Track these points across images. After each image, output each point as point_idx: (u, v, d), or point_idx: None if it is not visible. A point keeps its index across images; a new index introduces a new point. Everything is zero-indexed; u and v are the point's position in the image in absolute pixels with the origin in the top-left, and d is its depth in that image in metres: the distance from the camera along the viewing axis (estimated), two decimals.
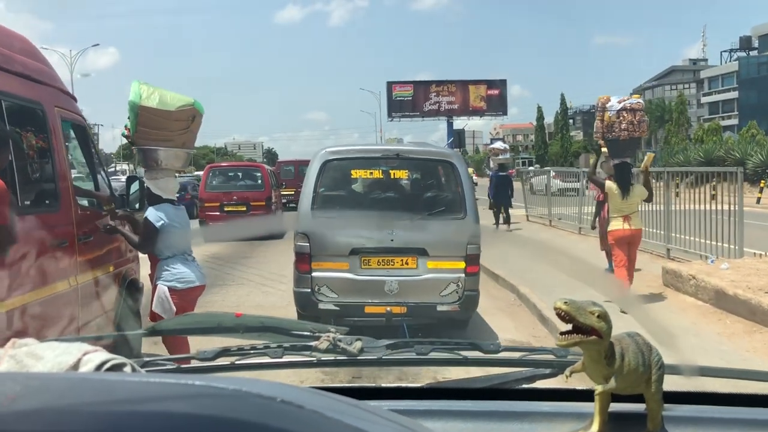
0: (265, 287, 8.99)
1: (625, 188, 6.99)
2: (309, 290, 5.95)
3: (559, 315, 1.10)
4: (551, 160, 59.17)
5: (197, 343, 1.65)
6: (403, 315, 5.81)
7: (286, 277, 6.77)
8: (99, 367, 0.84)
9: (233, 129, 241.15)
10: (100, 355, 0.87)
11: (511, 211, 16.14)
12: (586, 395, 1.27)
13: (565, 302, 1.09)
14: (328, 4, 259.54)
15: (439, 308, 5.92)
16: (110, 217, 4.98)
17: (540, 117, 70.64)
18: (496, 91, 50.15)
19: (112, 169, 51.07)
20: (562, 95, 68.45)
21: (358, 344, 1.47)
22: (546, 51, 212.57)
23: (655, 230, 10.70)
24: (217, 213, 16.35)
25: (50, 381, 0.67)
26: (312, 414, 0.57)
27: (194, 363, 1.48)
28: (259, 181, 17.71)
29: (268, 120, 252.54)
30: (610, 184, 7.11)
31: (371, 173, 6.56)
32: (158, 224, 4.40)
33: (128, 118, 4.42)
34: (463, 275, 5.94)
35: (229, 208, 16.40)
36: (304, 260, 5.97)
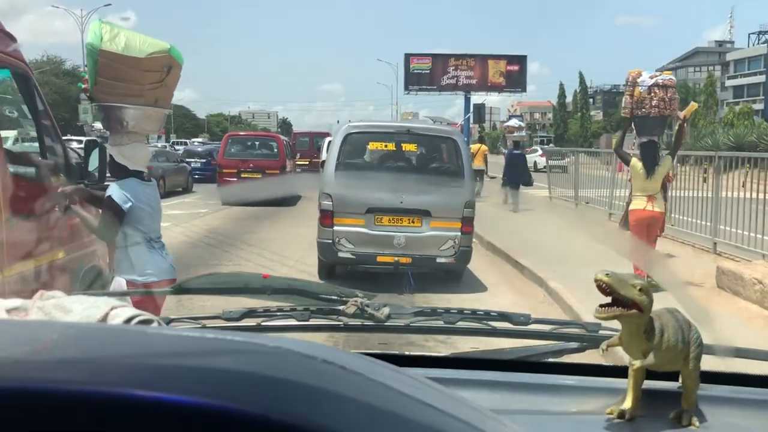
0: (265, 269, 8.86)
1: (650, 167, 6.81)
2: (330, 241, 7.12)
3: (599, 287, 1.09)
4: (570, 140, 58.15)
5: (223, 303, 1.66)
6: (408, 264, 7.05)
7: (289, 259, 6.98)
8: (127, 322, 0.85)
9: (248, 97, 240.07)
10: (128, 310, 0.87)
11: (530, 190, 16.03)
12: (615, 371, 1.27)
13: (607, 274, 1.08)
14: None
15: (438, 260, 7.13)
16: (62, 193, 3.90)
17: (561, 95, 68.90)
18: (515, 67, 49.44)
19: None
20: (581, 74, 66.30)
21: (386, 310, 1.46)
22: (566, 29, 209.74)
23: (699, 221, 9.66)
24: (235, 179, 17.49)
25: (88, 331, 0.66)
26: (354, 375, 0.56)
27: (219, 322, 1.46)
28: (275, 151, 18.95)
29: (282, 89, 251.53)
30: (635, 162, 6.95)
31: (386, 146, 7.74)
32: (125, 206, 3.50)
33: (85, 65, 3.55)
34: (459, 234, 7.10)
35: (246, 175, 17.37)
36: (327, 216, 7.12)
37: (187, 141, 53.98)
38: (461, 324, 1.51)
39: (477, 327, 1.54)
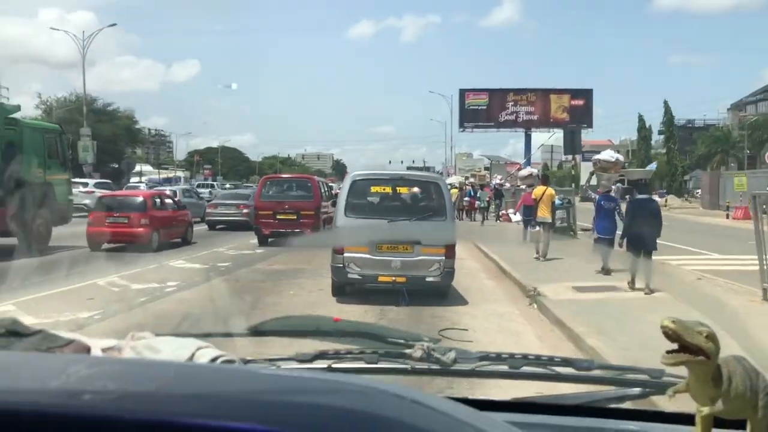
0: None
1: None
2: (342, 265, 8.90)
3: (665, 334, 1.10)
4: (658, 179, 51.52)
5: (297, 346, 1.76)
6: (403, 283, 8.83)
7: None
8: (212, 362, 0.91)
9: (307, 140, 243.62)
10: (212, 351, 0.95)
11: (662, 258, 11.65)
12: (678, 418, 1.27)
13: (673, 321, 1.09)
14: (400, 19, 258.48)
15: (428, 279, 8.92)
16: None
17: (642, 128, 61.19)
18: (580, 102, 46.44)
19: (172, 175, 50.37)
20: (666, 104, 58.07)
21: (452, 354, 1.52)
22: (616, 67, 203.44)
23: None
24: (271, 221, 17.82)
25: (197, 370, 0.75)
26: (443, 416, 0.61)
27: (293, 364, 1.54)
28: (310, 192, 18.99)
29: (340, 132, 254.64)
30: None
31: (384, 189, 9.72)
32: None
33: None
34: (444, 258, 8.93)
35: (281, 217, 17.83)
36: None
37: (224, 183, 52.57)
38: (525, 369, 1.54)
39: (541, 372, 1.55)
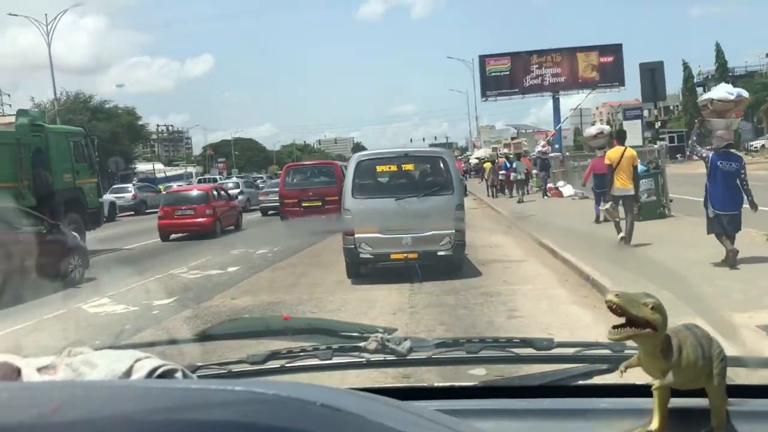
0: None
1: None
2: (353, 246, 9.17)
3: (610, 308, 1.10)
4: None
5: (247, 347, 1.79)
6: (415, 259, 9.01)
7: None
8: (150, 374, 0.89)
9: (326, 126, 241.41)
10: (152, 361, 0.92)
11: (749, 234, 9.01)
12: (646, 391, 1.23)
13: (617, 295, 1.10)
14: None
15: (439, 253, 9.09)
16: None
17: (689, 77, 54.67)
18: (609, 58, 43.38)
19: (181, 172, 48.74)
20: (718, 46, 50.71)
21: (407, 344, 1.51)
22: (633, 28, 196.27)
23: None
24: (297, 209, 18.28)
25: (95, 390, 0.72)
26: (352, 417, 0.60)
27: (245, 366, 1.53)
28: (333, 177, 18.97)
29: (359, 115, 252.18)
30: None
31: (389, 167, 9.91)
32: None
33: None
34: (454, 231, 9.15)
35: (306, 204, 18.24)
36: None
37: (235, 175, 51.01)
38: (484, 353, 1.56)
39: (500, 355, 1.58)
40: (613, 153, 10.48)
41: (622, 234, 10.06)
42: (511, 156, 29.30)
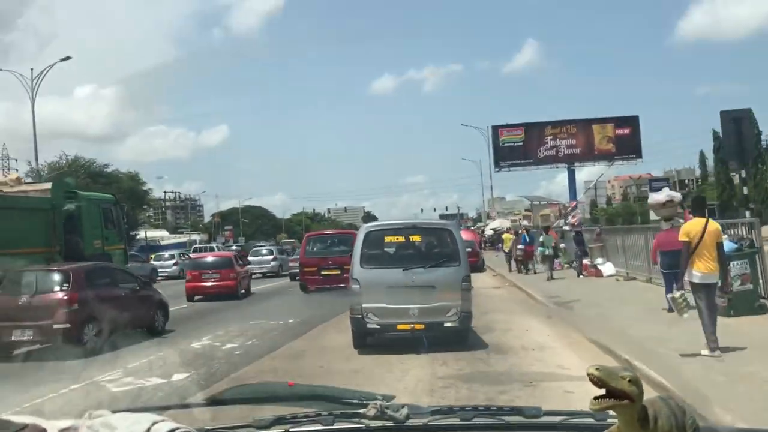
0: None
1: None
2: (360, 315, 9.35)
3: (591, 380, 1.17)
4: (733, 208, 45.31)
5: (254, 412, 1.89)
6: (421, 330, 9.22)
7: None
8: None
9: (338, 196, 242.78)
10: (167, 424, 0.99)
11: None
12: None
13: (597, 368, 1.17)
14: (420, 71, 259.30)
15: (446, 324, 9.25)
16: None
17: (719, 147, 54.02)
18: (626, 130, 42.69)
19: (184, 239, 47.74)
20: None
21: (404, 411, 1.58)
22: (641, 106, 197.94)
23: None
24: (316, 276, 18.74)
25: None
26: None
27: (251, 431, 1.61)
28: (351, 246, 19.91)
29: (369, 185, 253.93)
30: None
31: (397, 238, 10.14)
32: None
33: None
34: (460, 302, 9.26)
35: (326, 272, 18.49)
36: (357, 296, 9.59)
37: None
38: (476, 420, 1.62)
39: (492, 423, 1.62)
40: (693, 226, 7.95)
41: (711, 350, 7.50)
42: (531, 228, 27.44)
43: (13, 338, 10.40)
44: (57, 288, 10.86)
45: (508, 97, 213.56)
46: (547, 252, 20.95)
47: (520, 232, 25.34)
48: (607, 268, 19.37)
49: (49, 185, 15.48)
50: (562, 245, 23.58)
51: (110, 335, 10.70)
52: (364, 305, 9.26)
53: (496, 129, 40.74)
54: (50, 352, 9.97)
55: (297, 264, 23.74)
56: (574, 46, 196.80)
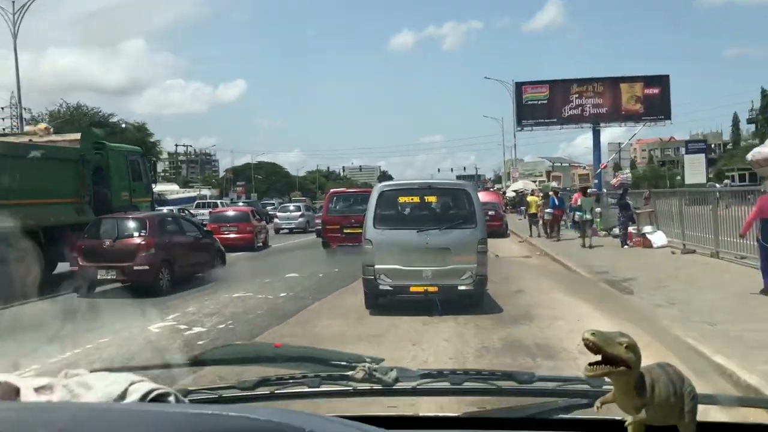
0: None
1: None
2: (373, 277, 9.16)
3: (587, 346, 1.14)
4: None
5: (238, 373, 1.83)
6: (435, 293, 8.99)
7: None
8: (144, 397, 0.91)
9: (354, 154, 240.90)
10: (146, 385, 0.95)
11: None
12: (622, 426, 1.25)
13: (593, 333, 1.14)
14: (440, 28, 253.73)
15: (460, 287, 9.02)
16: None
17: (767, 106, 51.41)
18: (655, 90, 40.87)
19: (193, 194, 46.88)
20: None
21: (393, 374, 1.56)
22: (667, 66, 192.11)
23: None
24: (338, 234, 18.59)
25: (98, 412, 0.75)
26: None
27: (235, 392, 1.57)
28: None
29: (386, 144, 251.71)
30: None
31: (412, 198, 9.85)
32: None
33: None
34: (475, 265, 9.01)
35: (348, 230, 18.24)
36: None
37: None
38: (467, 384, 1.60)
39: (483, 387, 1.60)
40: None
41: None
42: (560, 190, 25.14)
43: (98, 277, 12.06)
44: (136, 234, 12.60)
45: (530, 57, 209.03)
46: (586, 216, 18.57)
47: (550, 194, 22.88)
48: (658, 237, 17.11)
49: (77, 135, 15.37)
50: (597, 209, 21.01)
51: (179, 277, 12.77)
52: (376, 266, 9.11)
53: (519, 86, 39.20)
54: (129, 291, 11.25)
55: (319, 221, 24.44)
56: (597, 2, 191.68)
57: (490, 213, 21.28)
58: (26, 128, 16.50)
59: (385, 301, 9.54)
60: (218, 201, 43.89)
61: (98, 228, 12.69)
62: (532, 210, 24.52)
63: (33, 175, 13.00)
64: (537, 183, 31.94)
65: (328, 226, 19.08)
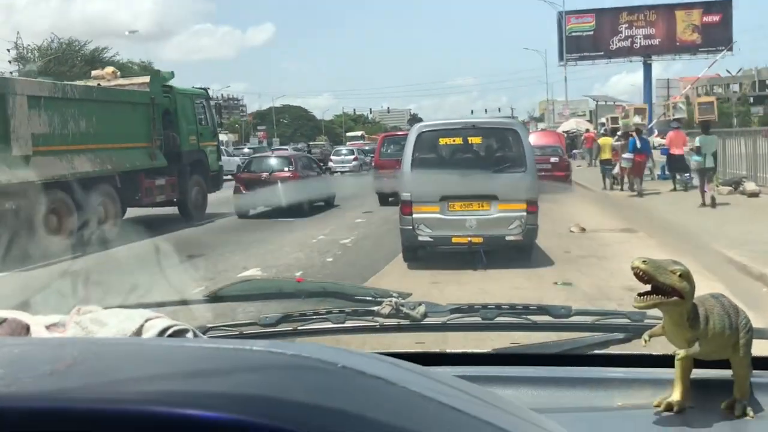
0: None
1: None
2: (411, 227, 8.47)
3: (636, 275, 1.06)
4: None
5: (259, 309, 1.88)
6: (480, 244, 8.31)
7: None
8: (161, 333, 0.89)
9: (384, 97, 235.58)
10: (163, 321, 0.92)
11: None
12: (664, 361, 1.24)
13: (644, 261, 1.06)
14: None
15: (507, 238, 8.35)
16: None
17: None
18: (715, 18, 36.78)
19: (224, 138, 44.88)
20: None
21: (422, 309, 1.50)
22: None
23: None
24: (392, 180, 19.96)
25: (109, 346, 0.71)
26: (374, 381, 0.59)
27: (256, 329, 1.54)
28: None
29: (416, 87, 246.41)
30: None
31: (454, 140, 9.10)
32: None
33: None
34: (525, 213, 8.30)
35: None
36: (407, 206, 8.53)
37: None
38: (500, 319, 1.54)
39: (516, 322, 1.54)
40: None
41: None
42: (641, 130, 18.15)
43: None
44: (285, 168, 16.33)
45: None
46: (707, 164, 13.71)
47: (632, 134, 17.36)
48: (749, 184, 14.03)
49: (146, 78, 15.18)
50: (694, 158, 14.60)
51: (311, 205, 15.44)
52: (414, 215, 8.44)
53: (562, 15, 35.78)
54: (277, 212, 14.79)
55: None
56: None
57: (552, 160, 18.16)
58: (93, 72, 15.79)
59: (424, 254, 9.04)
60: (246, 148, 42.00)
61: (252, 164, 17.47)
62: (605, 155, 19.33)
63: (107, 119, 13.01)
64: (625, 116, 23.47)
65: (381, 170, 18.95)
